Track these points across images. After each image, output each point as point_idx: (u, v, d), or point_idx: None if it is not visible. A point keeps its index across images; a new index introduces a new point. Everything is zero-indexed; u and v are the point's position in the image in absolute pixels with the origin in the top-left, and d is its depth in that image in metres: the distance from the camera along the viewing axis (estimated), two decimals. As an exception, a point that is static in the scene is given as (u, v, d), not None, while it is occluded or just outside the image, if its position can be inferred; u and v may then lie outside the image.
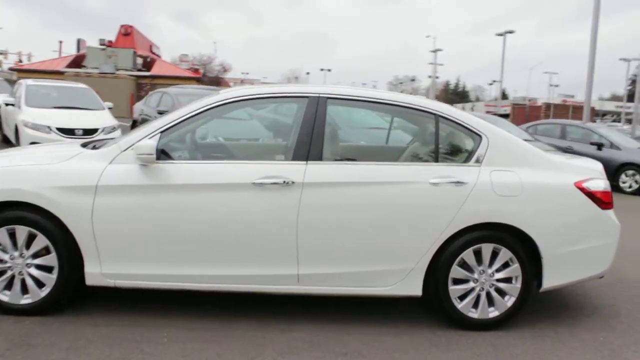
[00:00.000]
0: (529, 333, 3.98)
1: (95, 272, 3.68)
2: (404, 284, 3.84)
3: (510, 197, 3.86)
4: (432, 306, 4.04)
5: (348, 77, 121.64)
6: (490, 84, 75.52)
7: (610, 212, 4.12)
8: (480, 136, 3.99)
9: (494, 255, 3.91)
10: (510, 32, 38.47)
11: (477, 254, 3.89)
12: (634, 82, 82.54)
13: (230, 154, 4.66)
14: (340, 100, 3.95)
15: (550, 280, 4.01)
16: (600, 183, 4.10)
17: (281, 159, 3.84)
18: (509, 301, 3.97)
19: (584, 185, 4.04)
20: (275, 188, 3.64)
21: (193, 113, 3.83)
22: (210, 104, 3.86)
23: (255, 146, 4.99)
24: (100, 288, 3.80)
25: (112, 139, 5.12)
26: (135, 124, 14.98)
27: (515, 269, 3.93)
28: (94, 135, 10.27)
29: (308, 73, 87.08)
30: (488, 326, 3.96)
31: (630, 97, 51.10)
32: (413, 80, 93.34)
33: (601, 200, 4.05)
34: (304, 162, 3.72)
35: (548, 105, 43.07)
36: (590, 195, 4.02)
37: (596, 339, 3.95)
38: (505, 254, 3.90)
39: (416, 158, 4.07)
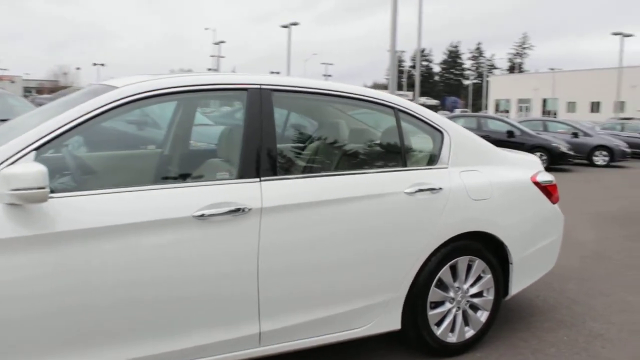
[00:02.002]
0: (504, 347, 3.58)
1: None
2: (383, 319, 3.13)
3: (483, 201, 3.39)
4: (406, 338, 3.38)
5: (124, 71, 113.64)
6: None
7: (557, 206, 3.90)
8: (441, 133, 3.42)
9: (469, 268, 3.41)
10: (295, 24, 39.40)
11: (453, 270, 3.34)
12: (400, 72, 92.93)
13: (151, 174, 3.33)
14: (288, 93, 3.03)
15: (516, 285, 3.66)
16: (547, 176, 3.85)
17: (224, 177, 2.79)
18: (483, 316, 3.51)
19: (538, 179, 3.75)
20: (225, 220, 2.61)
21: (81, 118, 2.49)
22: (108, 103, 2.57)
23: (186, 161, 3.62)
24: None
25: None
26: None
27: (488, 280, 3.48)
28: None
29: (78, 68, 79.32)
30: (465, 349, 3.46)
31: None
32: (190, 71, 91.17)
33: (551, 194, 3.81)
34: (257, 180, 2.75)
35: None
36: (544, 189, 3.75)
37: (560, 339, 3.72)
38: (479, 266, 3.42)
39: (383, 162, 3.34)
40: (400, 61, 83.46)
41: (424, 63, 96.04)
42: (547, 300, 4.51)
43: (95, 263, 2.35)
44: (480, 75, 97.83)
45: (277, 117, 2.90)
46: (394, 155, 3.29)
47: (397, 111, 3.30)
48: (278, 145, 2.89)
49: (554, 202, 3.83)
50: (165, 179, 3.24)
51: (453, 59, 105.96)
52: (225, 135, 3.14)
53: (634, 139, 21.96)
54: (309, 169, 3.14)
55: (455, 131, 3.47)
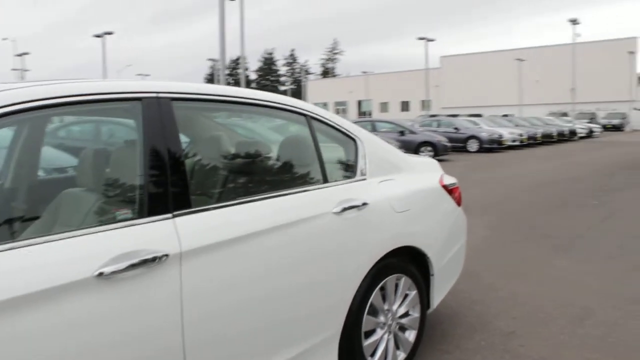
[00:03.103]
0: (433, 366, 3.35)
1: None
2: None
3: (406, 213, 3.11)
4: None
5: None
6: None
7: (461, 208, 3.78)
8: (355, 140, 3.08)
9: (396, 287, 3.11)
10: (109, 33, 36.66)
11: (382, 292, 3.01)
12: (210, 80, 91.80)
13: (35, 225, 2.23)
14: (191, 102, 2.43)
15: (437, 296, 3.46)
16: (450, 178, 3.71)
17: (127, 216, 2.11)
18: (411, 336, 3.24)
19: (445, 182, 3.58)
20: (137, 275, 1.97)
21: None
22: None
23: (72, 199, 2.33)
24: None
25: None
26: None
27: (414, 297, 3.22)
28: None
29: None
30: (397, 375, 3.16)
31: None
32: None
33: (456, 197, 3.67)
34: (169, 216, 2.14)
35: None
36: (450, 192, 3.60)
37: (479, 345, 3.60)
38: (405, 283, 3.14)
39: (304, 179, 2.87)
40: (217, 69, 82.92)
41: (241, 70, 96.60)
42: (447, 304, 4.40)
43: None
44: (296, 81, 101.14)
45: (180, 131, 2.32)
46: (312, 169, 2.86)
47: (309, 119, 2.88)
48: (188, 167, 2.31)
49: (459, 205, 3.70)
50: (40, 226, 2.23)
51: (268, 65, 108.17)
52: (117, 159, 2.42)
53: (450, 134, 24.03)
54: (227, 195, 2.57)
55: (367, 138, 3.15)
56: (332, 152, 3.02)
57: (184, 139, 2.62)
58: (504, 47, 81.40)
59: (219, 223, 2.25)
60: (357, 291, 2.80)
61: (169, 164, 2.17)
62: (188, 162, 2.44)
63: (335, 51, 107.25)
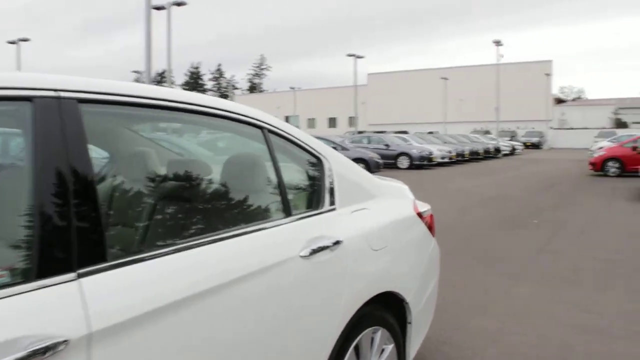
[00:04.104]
0: None
1: None
2: None
3: (384, 250, 2.51)
4: None
5: None
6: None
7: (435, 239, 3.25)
8: (321, 161, 2.46)
9: (371, 342, 2.50)
10: (25, 39, 34.08)
11: (356, 351, 2.40)
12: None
13: None
14: (107, 106, 1.72)
15: (414, 347, 2.88)
16: (423, 205, 3.17)
17: (3, 281, 1.38)
18: (386, 399, 2.64)
19: (420, 210, 3.03)
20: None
21: None
22: None
23: None
24: None
25: None
26: None
27: (391, 351, 2.62)
28: None
29: None
30: None
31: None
32: None
33: (431, 226, 3.13)
34: (72, 277, 1.42)
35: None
36: (426, 222, 3.05)
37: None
38: (382, 337, 2.54)
39: (261, 212, 2.21)
40: (140, 82, 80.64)
41: (167, 84, 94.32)
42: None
43: None
44: (222, 96, 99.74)
45: (93, 147, 1.63)
46: (271, 199, 2.21)
47: (266, 132, 2.23)
48: (102, 199, 1.62)
49: (433, 235, 3.16)
50: None
51: (195, 79, 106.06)
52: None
53: (381, 150, 23.93)
54: (158, 240, 1.87)
55: (334, 157, 2.54)
56: (293, 175, 2.39)
57: (96, 156, 1.94)
58: (430, 66, 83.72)
59: (149, 284, 1.56)
60: (329, 358, 2.17)
61: (72, 195, 1.47)
62: (102, 191, 1.75)
63: (263, 67, 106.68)
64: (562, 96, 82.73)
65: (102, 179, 2.17)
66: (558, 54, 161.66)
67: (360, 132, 37.21)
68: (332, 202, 2.39)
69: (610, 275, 5.80)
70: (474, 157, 30.46)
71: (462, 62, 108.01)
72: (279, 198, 2.17)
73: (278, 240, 2.03)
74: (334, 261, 2.18)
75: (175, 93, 1.94)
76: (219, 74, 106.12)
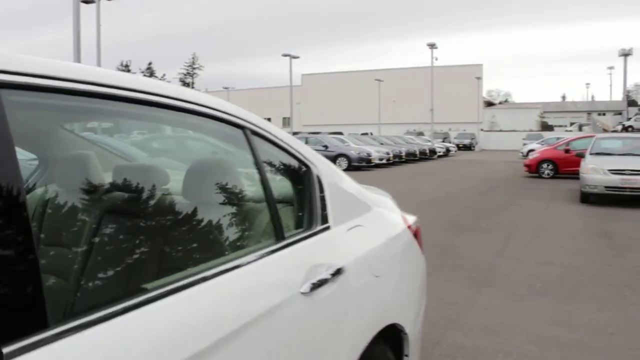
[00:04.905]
0: None
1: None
2: None
3: (385, 276, 2.10)
4: None
5: None
6: None
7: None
8: (310, 169, 2.02)
9: (370, 385, 2.08)
10: None
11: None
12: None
13: None
14: (40, 93, 1.21)
15: (408, 384, 2.47)
16: (411, 217, 2.78)
17: None
18: None
19: (410, 223, 2.65)
20: None
21: None
22: None
23: None
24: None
25: None
26: None
27: (389, 394, 2.21)
28: None
29: None
30: None
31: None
32: None
33: (419, 241, 2.75)
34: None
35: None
36: (415, 236, 2.67)
37: None
38: (382, 377, 2.13)
39: (248, 236, 1.73)
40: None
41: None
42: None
43: None
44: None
45: (22, 156, 1.12)
46: (260, 218, 1.75)
47: (249, 134, 1.76)
48: (33, 224, 1.12)
49: (422, 250, 2.78)
50: None
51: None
52: None
53: (319, 151, 23.51)
54: (118, 287, 1.37)
55: (322, 163, 2.11)
56: (279, 187, 1.94)
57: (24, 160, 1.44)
58: (365, 67, 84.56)
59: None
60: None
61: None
62: (34, 210, 1.24)
63: (195, 66, 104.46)
64: (490, 99, 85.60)
65: (31, 193, 1.66)
66: (485, 58, 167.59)
67: (295, 133, 36.88)
68: (324, 219, 1.95)
69: (572, 282, 5.66)
70: (410, 158, 30.72)
71: (397, 65, 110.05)
72: (267, 217, 1.71)
73: (273, 275, 1.57)
74: (337, 295, 1.74)
75: (132, 80, 1.44)
76: (149, 73, 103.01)
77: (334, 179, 2.10)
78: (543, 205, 11.92)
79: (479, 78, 60.35)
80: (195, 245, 1.65)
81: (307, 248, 1.77)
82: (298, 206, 1.97)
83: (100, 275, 1.39)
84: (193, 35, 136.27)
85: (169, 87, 1.54)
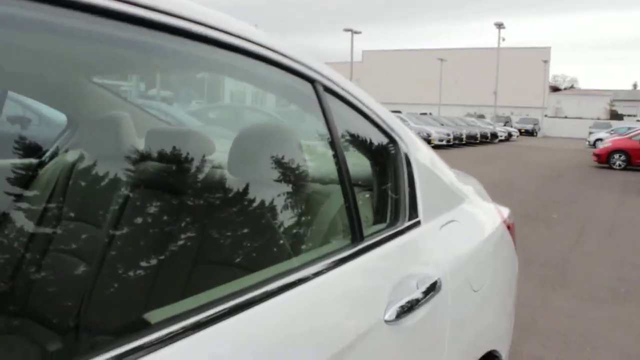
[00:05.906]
0: None
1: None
2: None
3: (484, 290, 1.62)
4: None
5: None
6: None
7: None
8: (397, 144, 1.55)
9: None
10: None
11: None
12: None
13: None
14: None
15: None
16: (505, 209, 2.28)
17: None
18: None
19: (505, 217, 2.15)
20: None
21: None
22: None
23: None
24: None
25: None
26: None
27: None
28: None
29: None
30: None
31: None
32: None
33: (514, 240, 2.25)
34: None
35: None
36: (511, 233, 2.18)
37: None
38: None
39: (316, 233, 1.29)
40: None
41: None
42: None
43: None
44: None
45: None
46: (330, 208, 1.30)
47: (320, 89, 1.27)
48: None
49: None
50: None
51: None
52: None
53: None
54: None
55: (410, 138, 1.63)
56: (356, 165, 1.48)
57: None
58: (425, 46, 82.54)
59: None
60: None
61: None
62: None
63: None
64: (555, 84, 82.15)
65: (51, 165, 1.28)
66: (551, 42, 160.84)
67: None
68: (414, 212, 1.48)
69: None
70: (471, 141, 29.64)
71: (461, 45, 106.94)
72: (341, 208, 1.25)
73: (347, 298, 1.12)
74: (431, 320, 1.28)
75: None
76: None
77: (425, 159, 1.63)
78: (617, 198, 11.04)
79: (545, 61, 57.76)
80: (245, 246, 1.22)
81: (392, 252, 1.31)
82: (379, 193, 1.51)
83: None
84: (259, 5, 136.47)
85: (231, 21, 1.09)
